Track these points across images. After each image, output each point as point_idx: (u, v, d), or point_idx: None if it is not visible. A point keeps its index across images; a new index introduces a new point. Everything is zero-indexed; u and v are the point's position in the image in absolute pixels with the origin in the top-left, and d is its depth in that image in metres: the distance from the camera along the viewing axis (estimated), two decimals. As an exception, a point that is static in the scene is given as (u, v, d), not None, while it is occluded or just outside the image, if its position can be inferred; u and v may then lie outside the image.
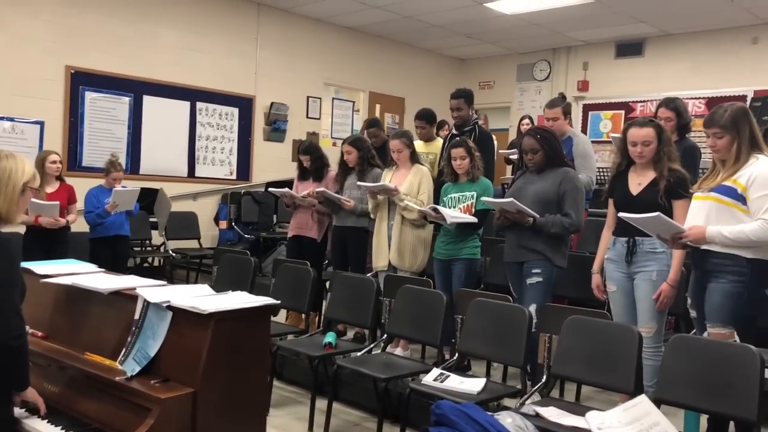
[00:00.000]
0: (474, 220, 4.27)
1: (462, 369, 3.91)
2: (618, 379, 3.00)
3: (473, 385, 3.27)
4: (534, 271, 3.80)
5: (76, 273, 2.95)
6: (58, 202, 5.29)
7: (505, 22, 9.04)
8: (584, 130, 9.89)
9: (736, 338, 2.94)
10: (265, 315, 2.50)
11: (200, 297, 2.47)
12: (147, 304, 2.44)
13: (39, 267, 2.99)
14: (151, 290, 2.52)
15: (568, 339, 3.17)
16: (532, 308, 3.61)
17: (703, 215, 3.06)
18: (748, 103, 7.93)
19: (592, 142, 9.40)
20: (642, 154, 3.41)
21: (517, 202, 3.76)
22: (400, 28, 9.70)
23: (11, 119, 6.89)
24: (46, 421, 2.33)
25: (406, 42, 10.50)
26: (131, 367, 2.36)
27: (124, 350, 2.42)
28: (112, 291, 2.60)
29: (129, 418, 2.22)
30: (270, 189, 5.96)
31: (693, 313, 3.23)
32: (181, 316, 2.35)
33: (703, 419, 3.17)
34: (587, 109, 10.20)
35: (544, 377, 3.36)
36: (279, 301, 2.56)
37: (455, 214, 4.30)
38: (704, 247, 3.03)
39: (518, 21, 8.99)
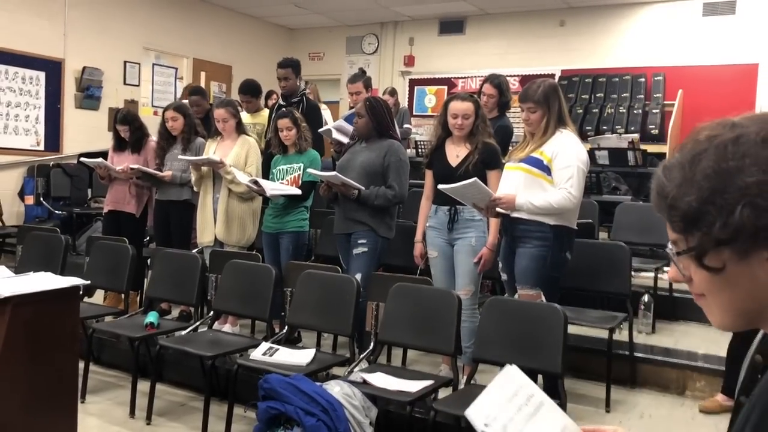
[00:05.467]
0: (295, 191, 4.23)
1: (292, 341, 3.90)
2: (440, 342, 3.14)
3: (302, 356, 3.27)
4: (360, 241, 3.86)
5: None
6: None
7: (333, -7, 9.01)
8: (410, 105, 10.19)
9: (543, 298, 3.19)
10: (73, 297, 2.31)
11: (-5, 280, 2.22)
12: (-72, 291, 2.14)
13: None
14: (-66, 274, 2.23)
15: (394, 306, 3.27)
16: (358, 277, 3.66)
17: (513, 184, 3.26)
18: (556, 80, 8.59)
19: (418, 115, 9.83)
20: (461, 126, 3.56)
21: (341, 176, 3.78)
22: (226, -7, 9.34)
23: None
24: None
25: (233, 8, 10.13)
26: None
27: None
28: None
29: None
30: (82, 159, 5.49)
31: (504, 276, 3.46)
32: (-30, 303, 2.09)
33: (516, 374, 3.41)
34: (413, 83, 10.50)
35: (372, 344, 3.44)
36: (89, 281, 2.38)
37: (275, 186, 4.25)
38: (514, 214, 3.24)
39: (346, -7, 9.00)
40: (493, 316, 3.04)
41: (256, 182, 4.20)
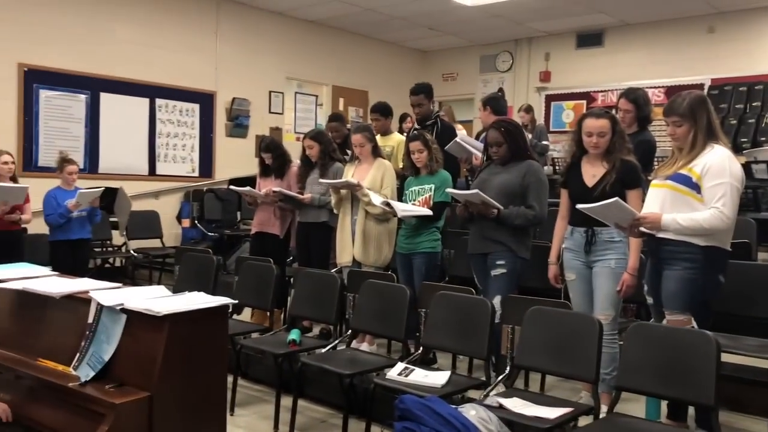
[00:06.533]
0: (426, 212, 4.26)
1: (427, 362, 3.90)
2: (580, 368, 3.02)
3: (437, 378, 3.26)
4: (498, 262, 3.80)
5: (28, 277, 2.87)
6: (27, 186, 5.32)
7: (466, 13, 9.05)
8: (547, 121, 9.99)
9: (694, 324, 2.98)
10: (223, 315, 2.46)
11: (155, 299, 2.41)
12: (100, 308, 2.38)
13: (-11, 272, 2.90)
14: (105, 293, 2.46)
15: (531, 329, 3.18)
16: (497, 300, 3.61)
17: (659, 203, 3.08)
18: (705, 91, 8.07)
19: (555, 131, 9.61)
20: (597, 145, 3.43)
21: (482, 194, 3.75)
22: (362, 21, 9.65)
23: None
24: (-2, 430, 2.27)
25: (368, 35, 10.46)
26: (85, 373, 2.30)
27: (78, 355, 2.36)
28: (65, 295, 2.53)
29: (83, 424, 2.17)
30: (231, 187, 5.88)
31: (650, 300, 3.26)
32: (135, 319, 2.30)
33: (664, 404, 3.22)
34: (550, 99, 10.29)
35: (508, 368, 3.38)
36: (236, 301, 2.53)
37: (406, 207, 4.31)
38: (660, 234, 3.06)
39: (480, 12, 9.01)
40: (638, 343, 2.88)
41: (388, 204, 4.29)
